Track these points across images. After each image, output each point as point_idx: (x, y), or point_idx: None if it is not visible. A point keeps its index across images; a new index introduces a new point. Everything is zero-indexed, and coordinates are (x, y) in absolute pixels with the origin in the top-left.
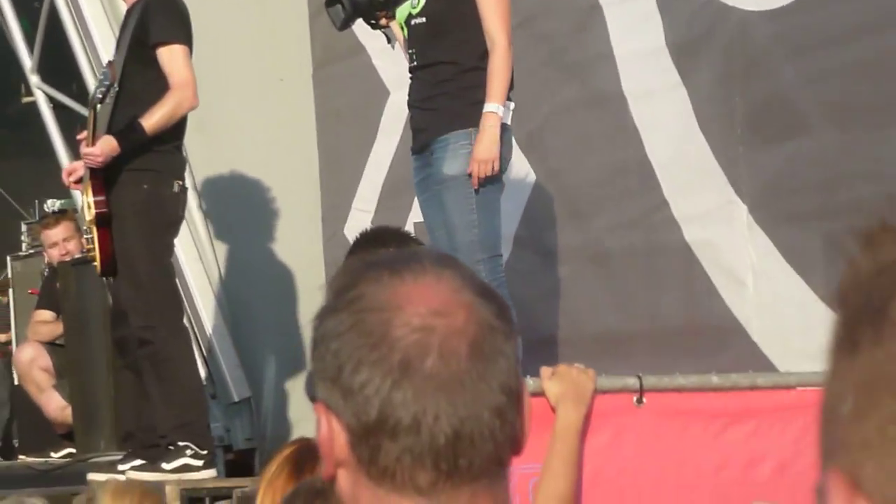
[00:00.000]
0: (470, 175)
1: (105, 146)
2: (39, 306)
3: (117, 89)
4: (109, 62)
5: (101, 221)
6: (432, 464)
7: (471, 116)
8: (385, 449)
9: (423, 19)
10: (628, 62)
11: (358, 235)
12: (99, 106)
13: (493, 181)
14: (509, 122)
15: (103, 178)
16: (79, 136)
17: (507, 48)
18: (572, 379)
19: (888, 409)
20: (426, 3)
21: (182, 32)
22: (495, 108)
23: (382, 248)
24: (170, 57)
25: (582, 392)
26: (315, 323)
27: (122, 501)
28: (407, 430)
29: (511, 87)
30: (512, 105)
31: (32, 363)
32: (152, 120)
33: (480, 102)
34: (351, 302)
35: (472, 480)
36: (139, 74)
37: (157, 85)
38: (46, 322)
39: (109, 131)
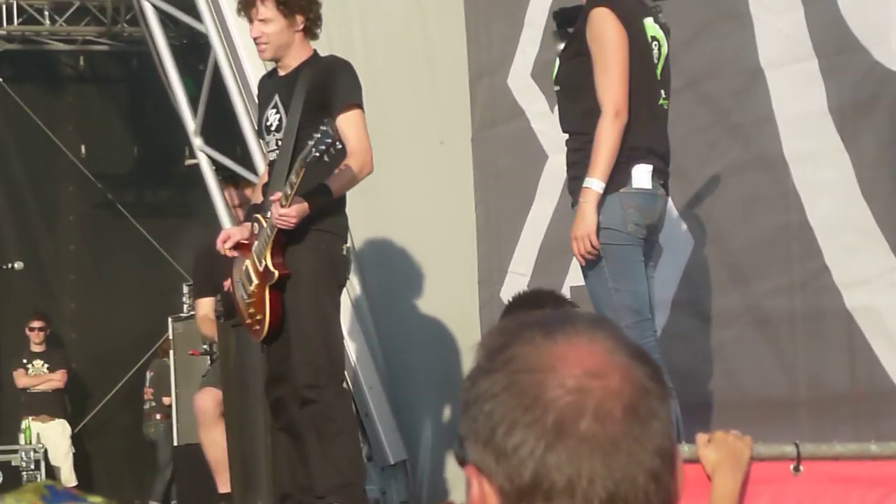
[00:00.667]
0: (602, 246)
1: (300, 209)
2: (199, 294)
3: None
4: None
5: (278, 285)
6: None
7: None
8: None
9: (558, 87)
10: (790, 125)
11: (512, 297)
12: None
13: (625, 247)
14: (643, 187)
15: (283, 241)
16: (272, 198)
17: (611, 117)
18: (729, 446)
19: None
20: (558, 68)
21: (361, 97)
22: (590, 184)
23: (537, 309)
24: (351, 122)
25: (739, 459)
26: (467, 384)
27: None
28: (561, 492)
29: (656, 154)
30: (644, 168)
31: (217, 407)
32: (338, 184)
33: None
34: (505, 363)
35: None
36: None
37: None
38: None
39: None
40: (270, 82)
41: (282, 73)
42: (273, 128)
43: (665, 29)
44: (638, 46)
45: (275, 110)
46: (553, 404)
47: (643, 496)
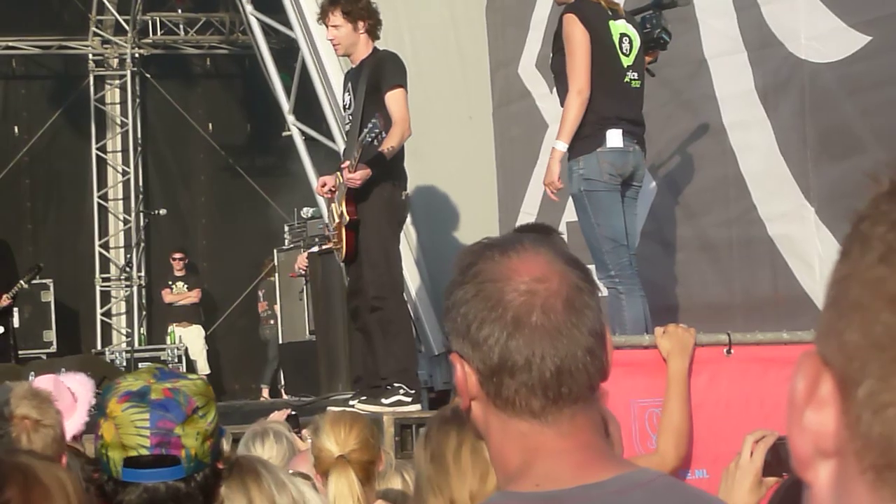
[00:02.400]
0: (580, 192)
1: (364, 174)
2: None
3: (371, 127)
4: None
5: (351, 226)
6: (542, 393)
7: (576, 148)
8: (506, 384)
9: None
10: (727, 101)
11: (516, 227)
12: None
13: (603, 193)
14: (615, 146)
15: (354, 193)
16: (342, 165)
17: (574, 94)
18: (678, 336)
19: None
20: (551, 59)
21: (404, 80)
22: (555, 144)
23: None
24: (395, 99)
25: (685, 346)
26: (447, 294)
27: (337, 427)
28: (521, 369)
29: (625, 119)
30: (615, 132)
31: None
32: (387, 148)
33: (585, 137)
34: (473, 276)
35: (572, 403)
36: (373, 112)
37: (388, 120)
38: None
39: (362, 159)
40: (349, 73)
41: (353, 65)
42: (346, 107)
43: (638, 27)
44: (600, 41)
45: (348, 94)
46: (510, 304)
47: (582, 367)
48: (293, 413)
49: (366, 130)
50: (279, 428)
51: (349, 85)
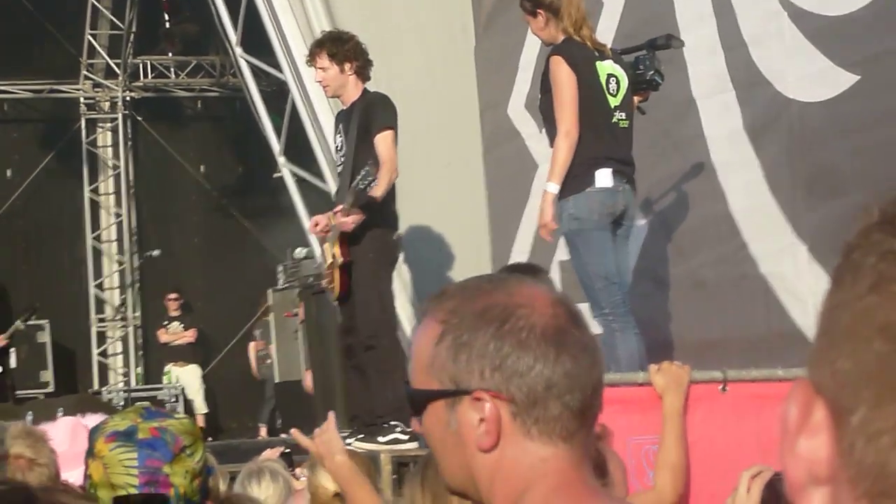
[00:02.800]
0: (570, 232)
1: (357, 218)
2: None
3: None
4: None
5: (344, 267)
6: (580, 413)
7: (566, 188)
8: (551, 408)
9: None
10: (715, 140)
11: (505, 266)
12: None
13: (593, 232)
14: (604, 185)
15: (347, 236)
16: (336, 209)
17: (562, 136)
18: (673, 373)
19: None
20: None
21: (394, 121)
22: (547, 187)
23: (522, 273)
24: (383, 141)
25: (680, 383)
26: (443, 338)
27: None
28: (567, 390)
29: (614, 159)
30: (604, 171)
31: None
32: (378, 192)
33: (574, 177)
34: (485, 311)
35: (590, 426)
36: (365, 154)
37: (376, 161)
38: None
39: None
40: (339, 114)
41: (344, 107)
42: (339, 149)
43: (625, 67)
44: (587, 82)
45: (340, 136)
46: (547, 328)
47: (600, 389)
48: (287, 451)
49: (359, 177)
50: (275, 467)
51: (340, 126)
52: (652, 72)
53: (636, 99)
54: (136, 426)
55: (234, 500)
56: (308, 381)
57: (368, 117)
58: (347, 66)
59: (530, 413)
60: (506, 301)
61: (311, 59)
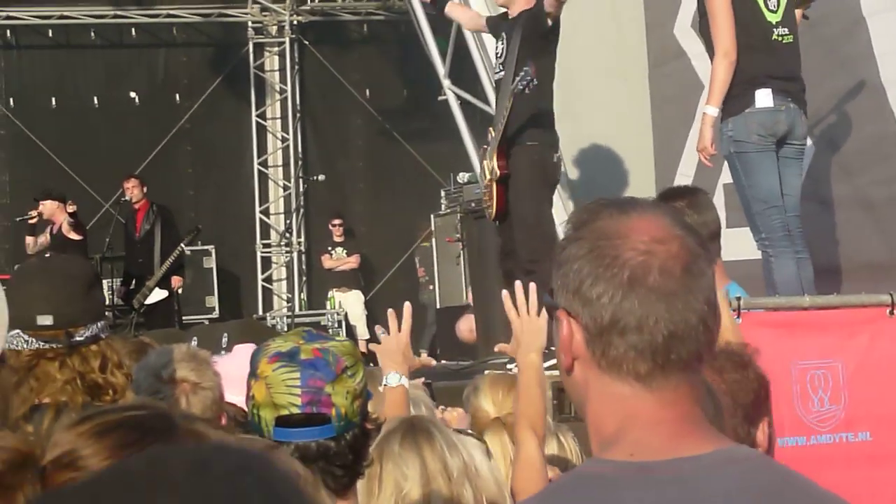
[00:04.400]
0: (730, 154)
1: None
2: None
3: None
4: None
5: (502, 180)
6: (650, 357)
7: (725, 109)
8: (615, 344)
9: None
10: (886, 58)
11: (663, 190)
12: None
13: (751, 154)
14: (764, 105)
15: (505, 148)
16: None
17: (720, 57)
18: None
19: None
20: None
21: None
22: (705, 109)
23: (678, 197)
24: None
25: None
26: (559, 248)
27: (495, 389)
28: (633, 330)
29: (776, 77)
30: (764, 91)
31: None
32: None
33: (733, 98)
34: (590, 232)
35: (679, 371)
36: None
37: (541, 69)
38: None
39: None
40: (501, 22)
41: (511, 16)
42: (499, 55)
43: None
44: (741, 1)
45: (501, 42)
46: (627, 263)
47: (694, 334)
48: (428, 382)
49: (517, 78)
50: (417, 395)
51: (503, 34)
52: None
53: (798, 11)
54: (298, 347)
55: (416, 422)
56: (463, 326)
57: (536, 21)
58: None
59: (597, 343)
60: (605, 227)
61: None
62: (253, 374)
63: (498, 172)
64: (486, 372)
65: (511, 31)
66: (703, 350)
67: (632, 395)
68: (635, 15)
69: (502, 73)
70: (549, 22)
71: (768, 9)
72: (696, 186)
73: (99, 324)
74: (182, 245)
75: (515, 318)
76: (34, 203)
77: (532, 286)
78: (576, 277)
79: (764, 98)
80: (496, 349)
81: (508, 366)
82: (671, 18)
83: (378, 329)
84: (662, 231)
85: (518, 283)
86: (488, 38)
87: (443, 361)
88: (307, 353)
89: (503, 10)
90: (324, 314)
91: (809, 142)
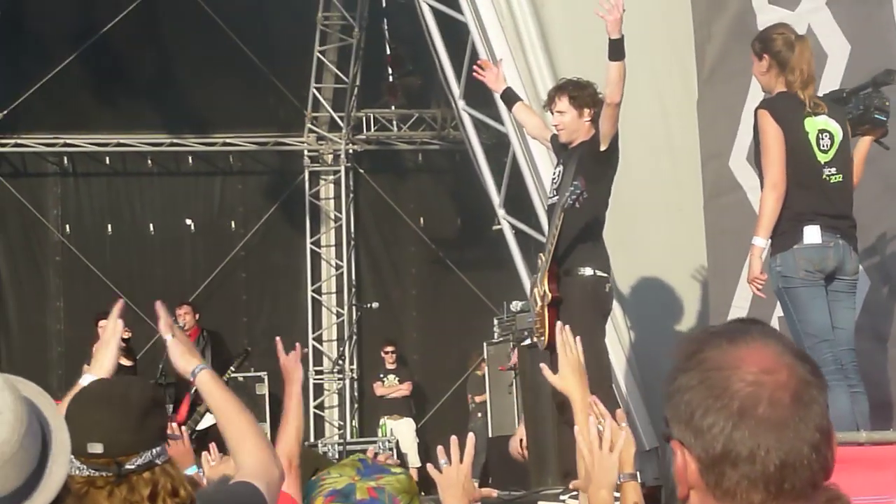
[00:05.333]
0: (779, 289)
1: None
2: None
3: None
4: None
5: (553, 303)
6: (763, 487)
7: (774, 244)
8: (728, 475)
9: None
10: None
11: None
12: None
13: (800, 289)
14: (812, 242)
15: (556, 271)
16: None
17: (769, 189)
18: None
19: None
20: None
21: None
22: (754, 241)
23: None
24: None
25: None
26: (668, 379)
27: None
28: (744, 460)
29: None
30: (812, 227)
31: None
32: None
33: (782, 233)
34: (698, 363)
35: (792, 500)
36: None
37: (590, 182)
38: None
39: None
40: (563, 148)
41: (571, 145)
42: (554, 180)
43: (843, 121)
44: (794, 137)
45: (558, 169)
46: (737, 394)
47: (807, 463)
48: None
49: (567, 193)
50: None
51: (561, 161)
52: (862, 110)
53: (867, 138)
54: (353, 485)
55: None
56: (515, 443)
57: (592, 150)
58: (587, 111)
59: (711, 474)
60: (715, 357)
61: (550, 102)
62: None
63: (550, 296)
64: (539, 503)
65: (569, 158)
66: (817, 478)
67: None
68: (690, 147)
69: (556, 198)
70: (604, 146)
71: (820, 149)
72: (759, 319)
73: (154, 450)
74: (232, 368)
75: (588, 453)
76: (89, 329)
77: (609, 422)
78: (687, 409)
79: (812, 234)
80: (571, 486)
81: (561, 497)
82: (726, 151)
83: (440, 455)
84: (771, 361)
85: (591, 420)
86: (544, 170)
87: (495, 493)
88: (363, 492)
89: None
90: (375, 441)
91: (866, 276)
